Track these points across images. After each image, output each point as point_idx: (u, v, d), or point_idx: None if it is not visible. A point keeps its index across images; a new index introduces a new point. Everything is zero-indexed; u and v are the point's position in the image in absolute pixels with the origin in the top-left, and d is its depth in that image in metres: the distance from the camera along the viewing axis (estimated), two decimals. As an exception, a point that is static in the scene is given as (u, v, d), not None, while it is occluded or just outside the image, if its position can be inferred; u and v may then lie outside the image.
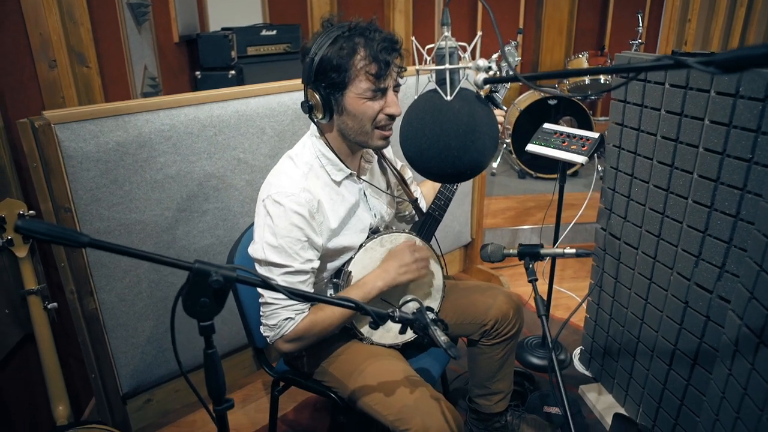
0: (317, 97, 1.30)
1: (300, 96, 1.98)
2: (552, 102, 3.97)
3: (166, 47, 3.36)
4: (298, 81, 2.07)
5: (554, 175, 4.16)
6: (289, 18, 4.77)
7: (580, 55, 4.37)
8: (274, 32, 4.44)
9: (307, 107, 1.34)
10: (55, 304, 1.64)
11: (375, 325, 1.05)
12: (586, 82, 4.25)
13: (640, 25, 3.99)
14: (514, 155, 4.17)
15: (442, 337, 1.02)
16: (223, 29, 4.20)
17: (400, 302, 1.23)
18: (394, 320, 1.07)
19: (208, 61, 3.80)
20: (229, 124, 1.83)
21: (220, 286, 0.88)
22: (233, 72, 3.85)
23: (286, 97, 1.96)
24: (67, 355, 1.87)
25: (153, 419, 2.04)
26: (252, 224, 1.62)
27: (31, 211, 1.57)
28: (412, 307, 1.17)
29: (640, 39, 4.00)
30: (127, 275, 1.73)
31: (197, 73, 3.80)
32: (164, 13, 3.33)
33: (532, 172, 4.21)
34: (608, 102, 5.19)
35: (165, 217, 1.76)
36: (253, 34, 4.35)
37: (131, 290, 1.76)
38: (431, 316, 1.10)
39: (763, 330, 1.34)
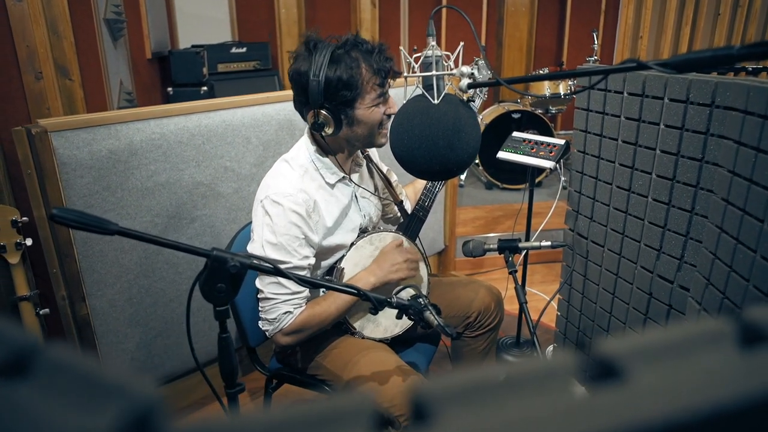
0: (327, 114, 1.36)
1: (283, 107, 2.08)
2: (516, 116, 4.16)
3: (139, 63, 3.39)
4: (282, 93, 2.16)
5: (520, 186, 4.33)
6: (257, 36, 4.84)
7: (541, 71, 4.58)
8: (244, 50, 4.52)
9: (318, 126, 1.39)
10: (47, 310, 1.66)
11: (375, 311, 1.14)
12: (547, 96, 4.46)
13: (596, 42, 4.23)
14: (481, 167, 4.33)
15: (438, 319, 1.11)
16: (194, 46, 4.24)
17: (394, 291, 1.31)
18: (391, 306, 1.16)
19: (180, 78, 3.84)
20: (216, 133, 1.89)
21: (237, 271, 0.96)
22: (205, 88, 3.89)
23: (270, 108, 2.04)
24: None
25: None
26: (238, 232, 1.68)
27: (24, 218, 1.59)
28: (405, 295, 1.26)
29: (595, 56, 4.24)
30: (118, 281, 1.76)
31: (169, 89, 3.83)
32: (137, 30, 3.37)
33: (499, 183, 4.37)
34: (567, 116, 5.44)
35: (155, 224, 1.80)
36: (224, 51, 4.42)
37: (121, 296, 1.79)
38: (425, 301, 1.19)
39: (719, 313, 1.48)
